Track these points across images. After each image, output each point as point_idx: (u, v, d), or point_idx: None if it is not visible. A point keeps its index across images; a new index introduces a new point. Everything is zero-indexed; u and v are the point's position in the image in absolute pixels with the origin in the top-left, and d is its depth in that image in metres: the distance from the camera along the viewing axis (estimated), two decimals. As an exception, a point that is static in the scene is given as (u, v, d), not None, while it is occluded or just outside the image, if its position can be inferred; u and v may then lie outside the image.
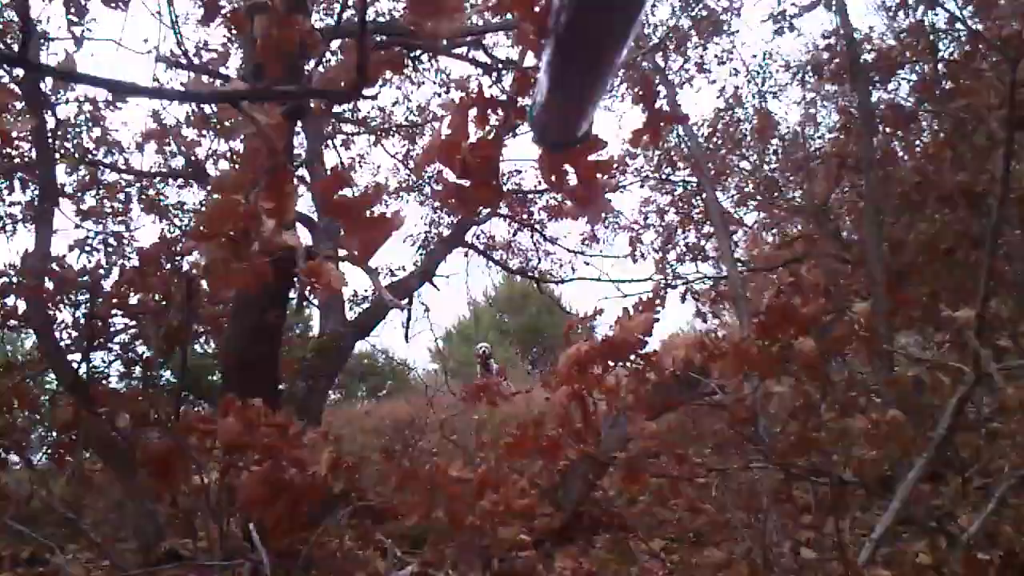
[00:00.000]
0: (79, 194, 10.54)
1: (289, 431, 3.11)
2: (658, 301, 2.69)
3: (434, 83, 12.24)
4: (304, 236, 10.08)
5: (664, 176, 11.49)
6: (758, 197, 11.25)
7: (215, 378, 11.71)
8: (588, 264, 12.88)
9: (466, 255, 12.84)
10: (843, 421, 2.67)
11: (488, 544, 2.96)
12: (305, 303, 10.70)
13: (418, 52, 10.97)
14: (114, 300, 6.87)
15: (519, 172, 12.95)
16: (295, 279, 5.03)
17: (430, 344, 29.21)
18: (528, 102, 1.71)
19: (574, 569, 3.60)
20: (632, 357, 2.86)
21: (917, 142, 9.23)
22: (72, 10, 6.46)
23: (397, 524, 4.00)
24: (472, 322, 28.64)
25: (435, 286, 10.74)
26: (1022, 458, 3.91)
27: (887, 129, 9.01)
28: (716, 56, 10.75)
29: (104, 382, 7.62)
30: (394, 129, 12.83)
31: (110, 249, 9.49)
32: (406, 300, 10.14)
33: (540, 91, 1.50)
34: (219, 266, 1.60)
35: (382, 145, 12.82)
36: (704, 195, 9.67)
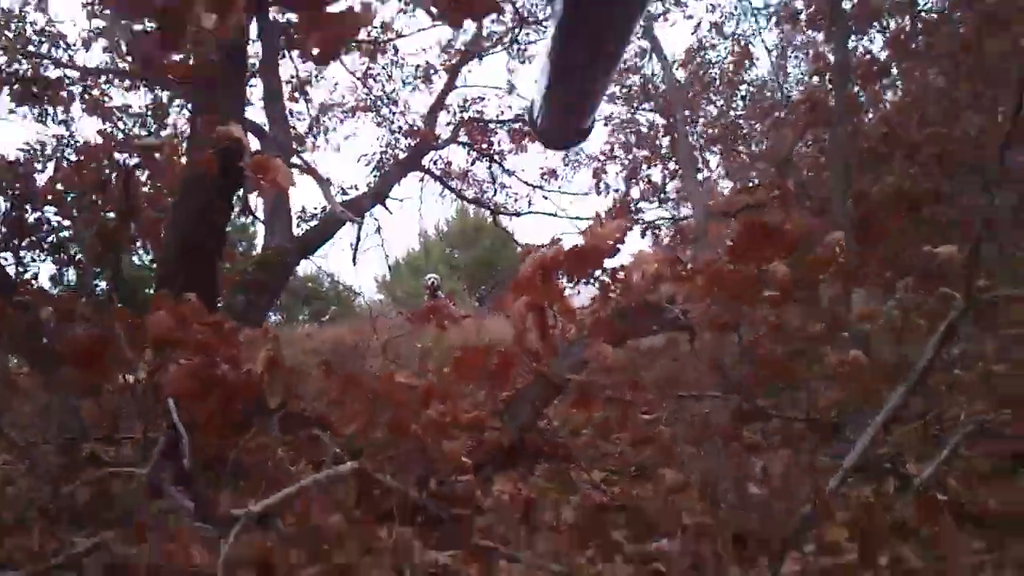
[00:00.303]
0: (19, 86, 10.07)
1: (224, 328, 2.89)
2: (628, 210, 2.51)
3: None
4: (252, 145, 9.72)
5: (633, 110, 11.27)
6: (719, 145, 11.13)
7: (151, 292, 11.30)
8: (546, 199, 12.65)
9: (421, 180, 12.59)
10: (822, 348, 2.55)
11: (432, 458, 2.80)
12: (250, 216, 10.35)
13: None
14: (48, 196, 6.53)
15: (482, 99, 12.64)
16: (241, 177, 4.74)
17: (377, 274, 28.93)
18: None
19: (513, 495, 3.46)
20: (599, 272, 2.70)
21: (887, 96, 9.16)
22: None
23: (335, 439, 3.82)
24: (422, 254, 28.39)
25: (387, 209, 10.50)
26: (979, 407, 3.85)
27: (859, 81, 8.89)
28: (692, -10, 10.52)
29: (34, 281, 7.28)
30: (354, 44, 12.39)
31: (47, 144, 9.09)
32: (358, 218, 9.87)
33: (539, 90, 1.38)
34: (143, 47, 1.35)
35: (341, 61, 12.36)
36: (673, 134, 9.53)
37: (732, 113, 11.41)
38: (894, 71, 9.10)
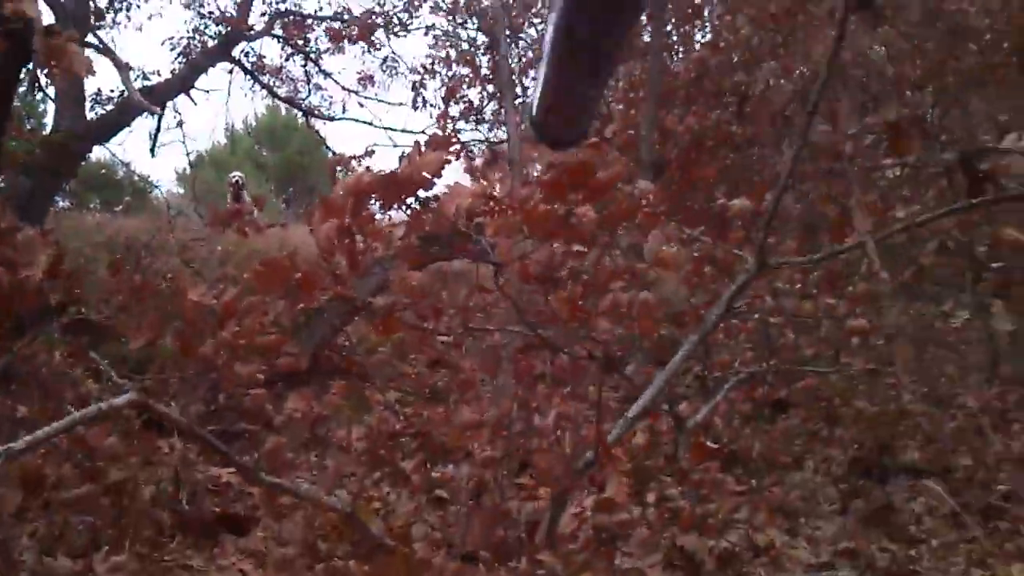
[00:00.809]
0: None
1: (1, 227, 2.65)
2: (451, 143, 2.48)
3: None
4: (46, 16, 8.89)
5: (454, 26, 11.05)
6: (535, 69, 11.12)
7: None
8: (362, 106, 12.28)
9: (231, 72, 11.87)
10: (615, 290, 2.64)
11: (220, 378, 2.71)
12: (39, 92, 9.50)
13: None
14: None
15: (299, -8, 12.03)
16: (30, 58, 4.31)
17: (178, 166, 27.37)
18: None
19: (305, 412, 3.42)
20: (413, 200, 2.65)
21: (698, 38, 9.43)
22: None
23: (119, 346, 3.64)
24: (227, 149, 27.05)
25: (192, 100, 9.89)
26: (750, 356, 4.15)
27: (673, 20, 9.10)
28: None
29: None
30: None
31: None
32: (159, 107, 9.23)
33: (539, 88, 1.36)
34: None
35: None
36: (494, 54, 9.47)
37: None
38: (706, 13, 9.38)
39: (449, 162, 2.46)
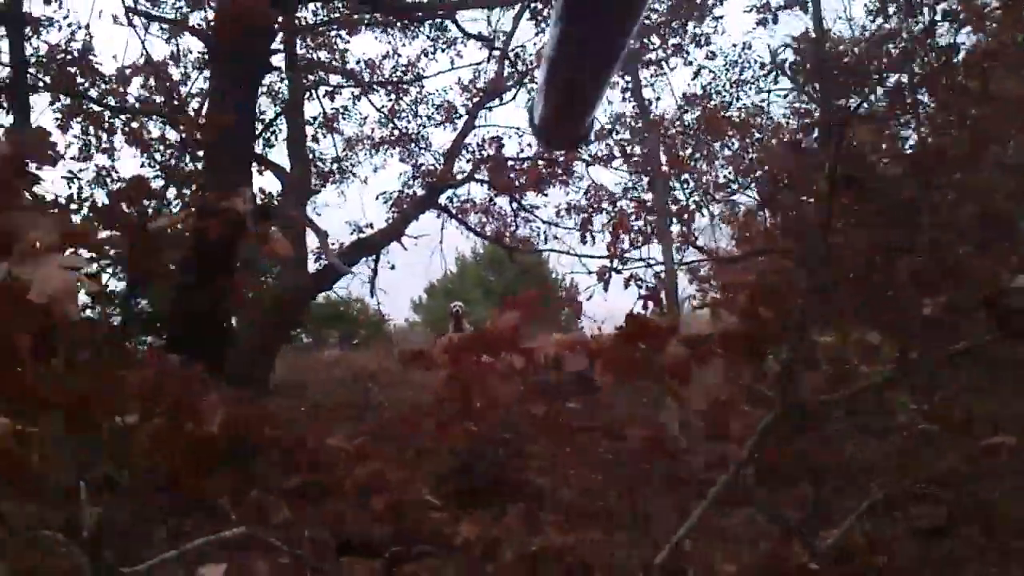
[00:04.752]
0: (65, 121, 10.71)
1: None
2: (536, 302, 2.82)
3: (428, 37, 12.41)
4: (274, 184, 10.38)
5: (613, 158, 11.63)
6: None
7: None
8: (557, 238, 12.91)
9: (438, 217, 12.96)
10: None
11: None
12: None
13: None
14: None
15: (500, 139, 13.04)
16: (243, 243, 5.24)
17: (414, 295, 29.42)
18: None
19: (479, 535, 3.76)
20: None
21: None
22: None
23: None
24: (456, 277, 28.74)
25: (403, 246, 10.90)
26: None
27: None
28: (694, 37, 10.80)
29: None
30: (381, 83, 12.92)
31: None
32: (373, 257, 10.32)
33: (540, 91, 1.49)
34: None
35: (368, 98, 12.86)
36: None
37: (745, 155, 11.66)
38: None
39: (531, 321, 2.80)
